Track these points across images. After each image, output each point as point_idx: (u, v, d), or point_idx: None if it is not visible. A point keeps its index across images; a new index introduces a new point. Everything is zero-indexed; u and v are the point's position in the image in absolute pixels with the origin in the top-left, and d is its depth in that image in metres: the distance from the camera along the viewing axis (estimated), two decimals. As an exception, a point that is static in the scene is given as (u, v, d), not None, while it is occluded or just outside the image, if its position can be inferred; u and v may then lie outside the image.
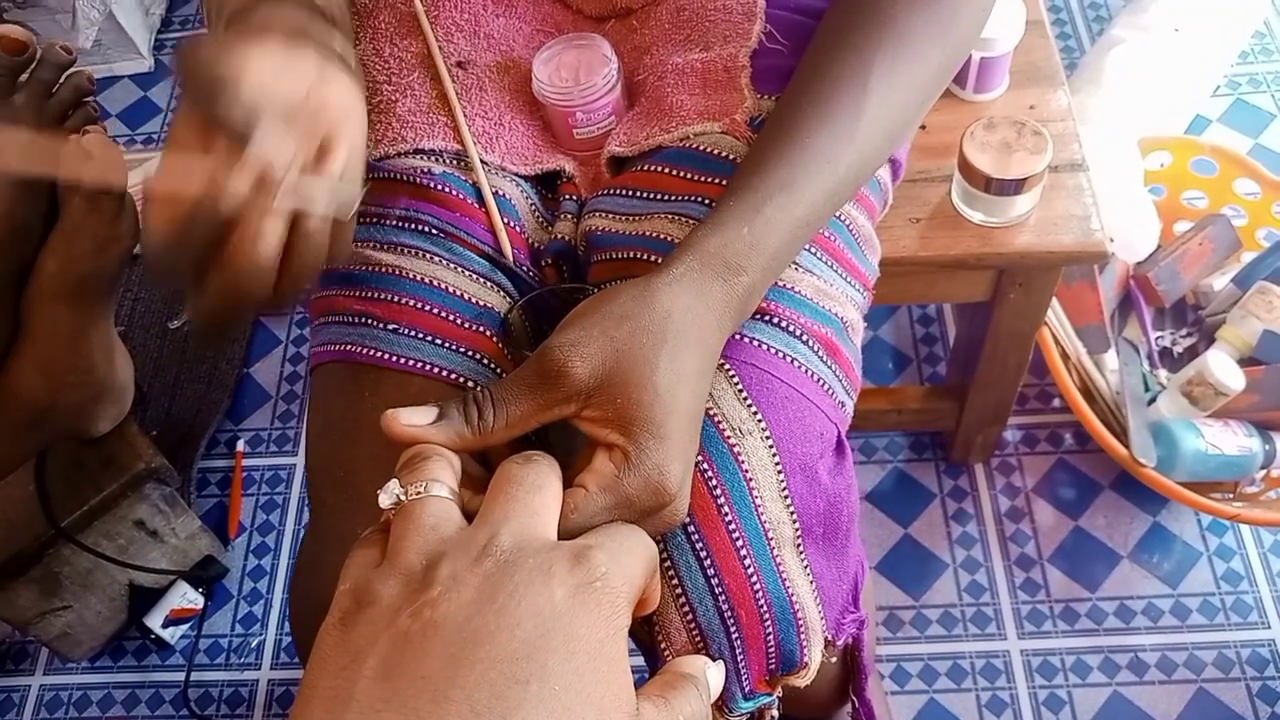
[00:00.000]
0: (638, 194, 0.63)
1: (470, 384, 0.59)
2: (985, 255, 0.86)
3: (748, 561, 0.52)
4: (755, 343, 0.56)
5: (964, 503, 1.21)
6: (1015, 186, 0.82)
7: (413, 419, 0.43)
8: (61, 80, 0.72)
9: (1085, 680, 1.09)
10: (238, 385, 1.38)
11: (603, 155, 0.67)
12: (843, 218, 0.64)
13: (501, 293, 0.63)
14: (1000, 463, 1.23)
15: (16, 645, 1.24)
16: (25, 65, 0.70)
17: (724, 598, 0.52)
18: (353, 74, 0.53)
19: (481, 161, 0.65)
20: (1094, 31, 1.57)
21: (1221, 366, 1.05)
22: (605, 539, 0.38)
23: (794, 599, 0.54)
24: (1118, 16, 1.42)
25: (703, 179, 0.61)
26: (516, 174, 0.67)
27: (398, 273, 0.61)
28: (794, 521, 0.55)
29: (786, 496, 0.54)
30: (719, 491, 0.52)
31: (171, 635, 1.18)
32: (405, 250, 0.62)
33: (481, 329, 0.60)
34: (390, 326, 0.60)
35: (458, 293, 0.61)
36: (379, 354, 0.59)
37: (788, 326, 0.57)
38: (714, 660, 0.42)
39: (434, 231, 0.62)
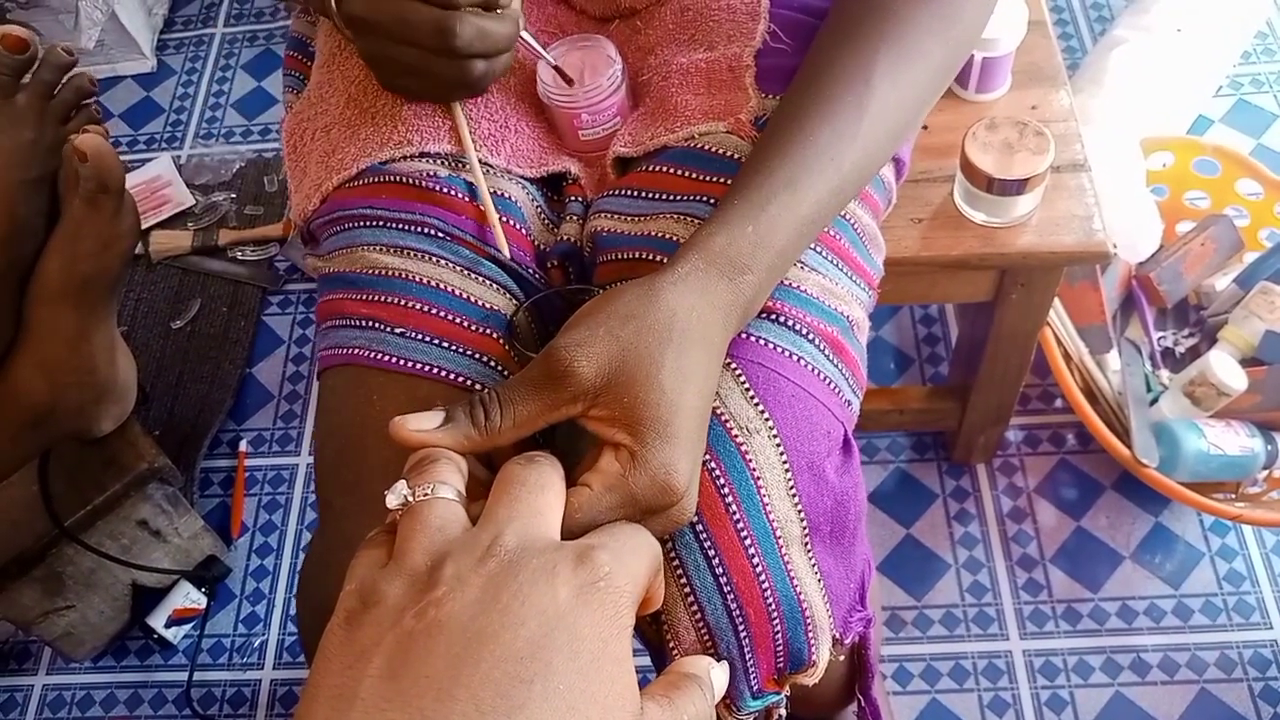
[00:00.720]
0: (643, 194, 0.63)
1: (477, 387, 0.59)
2: (987, 255, 0.86)
3: (756, 560, 0.52)
4: (762, 342, 0.56)
5: (966, 503, 1.21)
6: (1017, 187, 0.82)
7: (420, 424, 0.43)
8: (63, 82, 0.73)
9: (1087, 681, 1.09)
10: (240, 385, 1.38)
11: (608, 156, 0.67)
12: (848, 216, 0.64)
13: (508, 295, 0.63)
14: (1002, 463, 1.23)
15: (20, 645, 1.24)
16: (28, 65, 0.71)
17: (732, 596, 0.52)
18: None
19: (487, 164, 0.65)
20: (1096, 32, 1.57)
21: (1224, 367, 1.05)
22: (609, 538, 0.39)
23: (802, 597, 0.54)
24: (1120, 17, 1.42)
25: (708, 179, 0.61)
26: (522, 176, 0.67)
27: (404, 276, 0.61)
28: (802, 520, 0.55)
29: (794, 495, 0.54)
30: (726, 490, 0.53)
31: (174, 635, 1.18)
32: (411, 254, 0.62)
33: (488, 331, 0.60)
34: (397, 330, 0.60)
35: (464, 295, 0.61)
36: (386, 358, 0.59)
37: (794, 325, 0.57)
38: (721, 659, 0.42)
39: (440, 235, 0.62)
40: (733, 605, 0.52)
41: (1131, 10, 1.41)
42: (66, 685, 1.20)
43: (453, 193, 0.63)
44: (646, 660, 0.59)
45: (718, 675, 0.40)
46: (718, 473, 0.53)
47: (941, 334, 1.34)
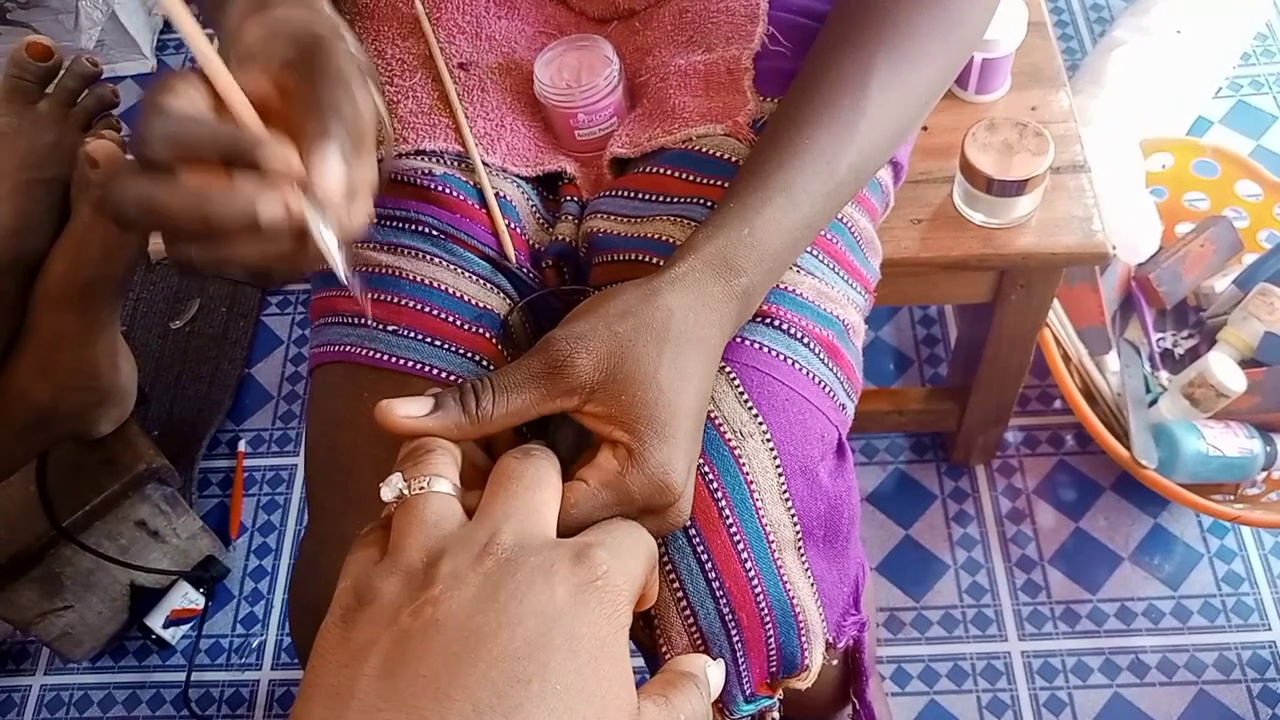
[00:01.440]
0: (639, 195, 0.63)
1: None
2: (987, 256, 0.86)
3: (749, 564, 0.52)
4: (756, 345, 0.56)
5: (965, 504, 1.21)
6: (1017, 188, 0.82)
7: (408, 410, 0.42)
8: (86, 91, 0.75)
9: (1086, 682, 1.09)
10: (239, 385, 1.38)
11: (605, 157, 0.67)
12: (844, 219, 0.64)
13: (502, 294, 0.62)
14: (1001, 464, 1.23)
15: (17, 645, 1.24)
16: (53, 73, 0.73)
17: (725, 600, 0.52)
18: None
19: (483, 163, 0.65)
20: (1096, 33, 1.57)
21: (1223, 368, 1.05)
22: (606, 536, 0.38)
23: (795, 602, 0.53)
24: (1119, 18, 1.42)
25: (705, 181, 0.61)
26: (518, 175, 0.67)
27: (398, 274, 0.61)
28: (795, 524, 0.55)
29: (787, 499, 0.54)
30: (720, 494, 0.52)
31: (172, 635, 1.18)
32: (405, 251, 0.62)
33: (481, 330, 0.60)
34: (390, 328, 0.60)
35: (458, 294, 0.61)
36: (379, 355, 0.59)
37: (789, 329, 0.57)
38: (717, 658, 0.42)
39: (434, 233, 0.62)
40: (725, 609, 0.52)
41: (1131, 11, 1.41)
42: (64, 686, 1.20)
43: (447, 191, 0.63)
44: (641, 661, 0.59)
45: (714, 673, 0.40)
46: (711, 476, 0.53)
47: (941, 335, 1.34)
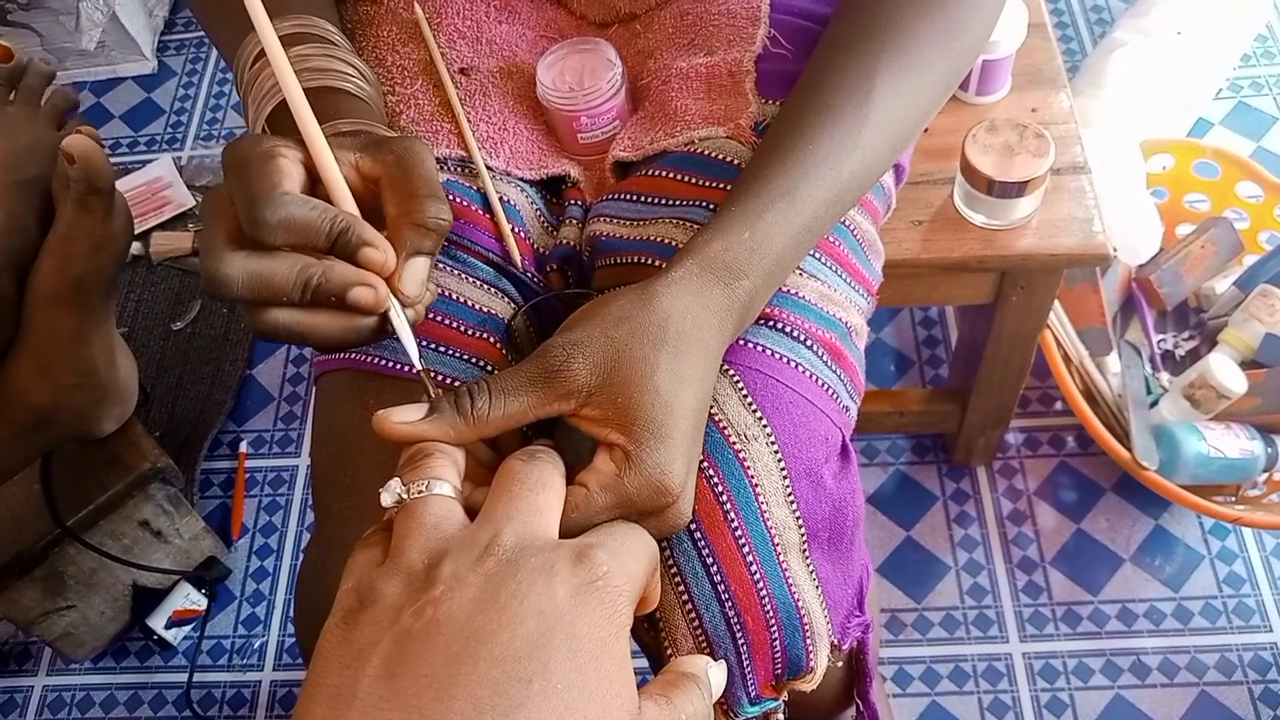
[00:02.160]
0: (642, 199, 0.63)
1: None
2: (987, 258, 0.87)
3: (754, 567, 0.52)
4: (760, 348, 0.56)
5: (966, 505, 1.21)
6: (1017, 189, 0.82)
7: (403, 416, 0.43)
8: (50, 91, 0.75)
9: (1087, 683, 1.09)
10: (241, 386, 1.38)
11: (607, 160, 0.67)
12: (847, 223, 0.64)
13: (506, 299, 0.62)
14: (1002, 465, 1.23)
15: (20, 645, 1.24)
16: (18, 74, 0.74)
17: (730, 603, 0.52)
18: None
19: (486, 167, 0.65)
20: (1096, 34, 1.57)
21: (1223, 369, 1.06)
22: (607, 537, 0.39)
23: (800, 604, 0.54)
24: (1120, 19, 1.42)
25: (707, 184, 0.61)
26: (521, 179, 0.67)
27: None
28: (800, 526, 0.55)
29: (792, 502, 0.54)
30: (724, 497, 0.53)
31: (174, 636, 1.18)
32: None
33: (486, 336, 0.60)
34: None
35: (462, 300, 0.61)
36: (383, 361, 0.59)
37: (792, 332, 0.57)
38: (719, 660, 0.42)
39: None
40: (730, 612, 0.52)
41: (1131, 13, 1.41)
42: (66, 686, 1.20)
43: (451, 196, 0.63)
44: (644, 662, 0.59)
45: (715, 674, 0.41)
46: (715, 480, 0.53)
47: (941, 336, 1.34)
